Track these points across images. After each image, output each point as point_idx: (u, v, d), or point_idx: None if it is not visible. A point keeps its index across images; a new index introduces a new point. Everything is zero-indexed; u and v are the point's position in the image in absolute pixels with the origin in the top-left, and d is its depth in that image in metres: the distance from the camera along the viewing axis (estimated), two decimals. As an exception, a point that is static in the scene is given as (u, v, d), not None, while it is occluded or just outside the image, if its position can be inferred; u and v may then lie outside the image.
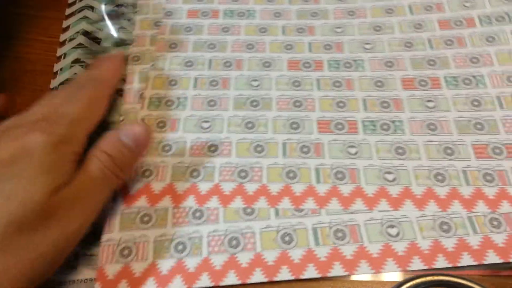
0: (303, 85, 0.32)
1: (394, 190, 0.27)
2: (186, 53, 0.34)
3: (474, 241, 0.25)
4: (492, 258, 0.24)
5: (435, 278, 0.21)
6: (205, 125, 0.30)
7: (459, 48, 0.34)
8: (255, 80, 0.33)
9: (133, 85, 0.32)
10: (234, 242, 0.26)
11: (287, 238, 0.26)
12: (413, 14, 0.36)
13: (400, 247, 0.25)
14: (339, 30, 0.36)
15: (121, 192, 0.27)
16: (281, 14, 0.37)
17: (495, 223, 0.25)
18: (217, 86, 0.32)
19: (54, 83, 0.32)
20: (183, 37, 0.35)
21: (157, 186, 0.28)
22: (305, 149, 0.29)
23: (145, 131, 0.26)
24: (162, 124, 0.30)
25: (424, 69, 0.33)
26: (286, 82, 0.32)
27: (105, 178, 0.24)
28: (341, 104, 0.31)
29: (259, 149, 0.29)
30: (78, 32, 0.36)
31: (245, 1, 0.38)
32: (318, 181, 0.28)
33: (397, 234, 0.25)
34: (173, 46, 0.35)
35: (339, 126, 0.30)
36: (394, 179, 0.28)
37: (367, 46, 0.34)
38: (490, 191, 0.27)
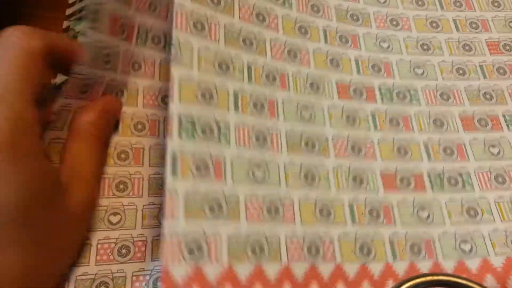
0: (358, 121, 0.27)
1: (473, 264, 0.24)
2: (217, 44, 0.25)
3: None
4: None
5: (435, 278, 0.20)
6: (259, 174, 0.23)
7: (513, 80, 0.30)
8: (306, 109, 0.26)
9: None
10: None
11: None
12: (459, 31, 0.32)
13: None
14: (385, 45, 0.30)
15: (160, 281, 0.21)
16: (319, 8, 0.29)
17: None
18: (263, 111, 0.25)
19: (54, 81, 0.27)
20: (209, 14, 0.25)
21: (211, 270, 0.21)
22: (374, 213, 0.24)
23: (120, 106, 0.25)
24: (203, 168, 0.22)
25: (481, 104, 0.29)
26: (339, 116, 0.26)
27: (93, 151, 0.22)
28: (402, 151, 0.26)
29: (325, 213, 0.24)
30: (78, 32, 0.30)
31: None
32: (394, 258, 0.23)
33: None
34: (199, 27, 0.24)
35: (405, 182, 0.26)
36: (471, 250, 0.24)
37: (418, 71, 0.29)
38: None
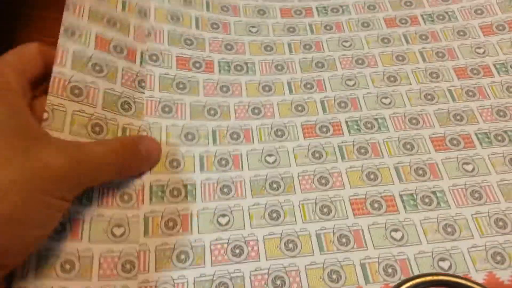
0: (324, 155, 0.28)
1: None
2: (183, 120, 0.29)
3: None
4: None
5: (435, 278, 0.20)
6: (223, 220, 0.25)
7: (482, 100, 0.31)
8: (270, 155, 0.28)
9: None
10: None
11: None
12: (426, 61, 0.33)
13: None
14: (350, 83, 0.32)
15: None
16: (283, 66, 0.33)
17: None
18: (228, 165, 0.27)
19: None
20: (176, 98, 0.30)
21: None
22: (343, 240, 0.25)
23: (159, 152, 0.27)
24: (171, 224, 0.25)
25: (452, 125, 0.30)
26: (304, 154, 0.28)
27: (109, 164, 0.23)
28: (371, 176, 0.27)
29: (290, 245, 0.25)
30: None
31: (241, 51, 0.33)
32: (367, 281, 0.24)
33: None
34: (167, 110, 0.29)
35: (376, 205, 0.26)
36: (450, 267, 0.24)
37: (386, 101, 0.31)
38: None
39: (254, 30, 0.34)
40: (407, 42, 0.34)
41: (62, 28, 0.26)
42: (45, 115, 0.24)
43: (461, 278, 0.19)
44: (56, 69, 0.25)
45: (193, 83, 0.31)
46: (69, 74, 0.25)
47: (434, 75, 0.32)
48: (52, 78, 0.25)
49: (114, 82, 0.28)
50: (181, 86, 0.30)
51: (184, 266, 0.24)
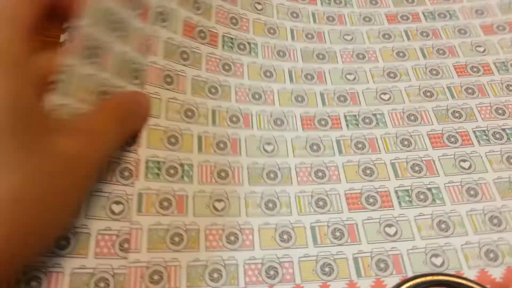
0: (322, 148, 0.28)
1: None
2: (184, 95, 0.28)
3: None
4: None
5: (435, 278, 0.20)
6: (219, 205, 0.25)
7: (482, 98, 0.31)
8: (269, 144, 0.28)
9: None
10: None
11: None
12: (426, 58, 0.33)
13: None
14: (351, 77, 0.32)
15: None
16: (285, 53, 0.32)
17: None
18: (226, 149, 0.27)
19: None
20: (179, 68, 0.29)
21: (171, 299, 0.22)
22: (337, 233, 0.25)
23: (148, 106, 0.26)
24: (167, 204, 0.25)
25: (450, 122, 0.30)
26: (303, 146, 0.28)
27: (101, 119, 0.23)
28: (368, 171, 0.27)
29: (285, 236, 0.25)
30: None
31: (245, 28, 0.33)
32: (359, 275, 0.24)
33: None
34: (168, 80, 0.28)
35: (371, 200, 0.26)
36: (442, 263, 0.24)
37: (384, 97, 0.31)
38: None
39: (259, 7, 0.34)
40: (408, 38, 0.34)
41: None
42: None
43: (462, 278, 0.19)
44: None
45: (196, 56, 0.30)
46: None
47: (434, 72, 0.32)
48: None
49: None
50: (183, 55, 0.29)
51: (178, 249, 0.23)
